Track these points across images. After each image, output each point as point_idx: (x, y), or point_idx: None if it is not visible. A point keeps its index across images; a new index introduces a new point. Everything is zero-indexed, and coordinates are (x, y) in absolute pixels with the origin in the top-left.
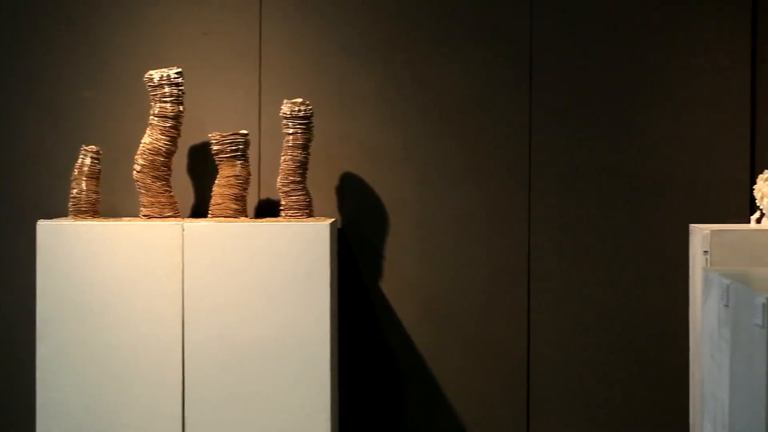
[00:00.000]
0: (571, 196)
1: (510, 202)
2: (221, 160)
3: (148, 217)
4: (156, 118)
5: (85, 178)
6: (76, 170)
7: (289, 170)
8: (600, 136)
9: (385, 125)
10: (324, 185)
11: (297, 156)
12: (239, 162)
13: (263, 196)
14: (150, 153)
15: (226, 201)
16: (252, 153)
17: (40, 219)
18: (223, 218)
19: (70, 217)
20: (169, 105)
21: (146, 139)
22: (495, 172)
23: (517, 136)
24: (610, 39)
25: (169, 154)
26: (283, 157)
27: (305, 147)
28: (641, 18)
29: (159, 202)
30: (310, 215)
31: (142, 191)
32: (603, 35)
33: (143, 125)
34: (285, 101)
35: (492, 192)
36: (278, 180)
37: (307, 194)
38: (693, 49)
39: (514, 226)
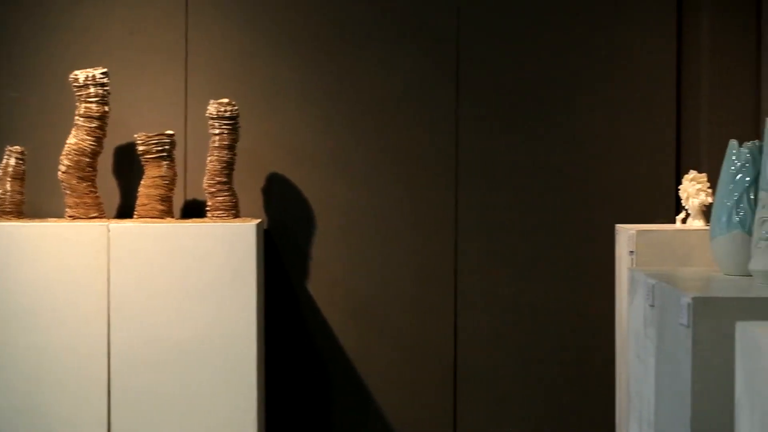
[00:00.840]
0: (498, 197)
1: (437, 202)
2: (147, 161)
3: (74, 218)
4: (81, 119)
5: (9, 179)
6: (0, 171)
7: (215, 171)
8: (527, 136)
9: (312, 126)
10: (250, 186)
11: (223, 156)
12: (165, 162)
13: (189, 197)
14: (75, 153)
15: (151, 202)
16: (178, 153)
17: None
18: (148, 219)
19: None
20: (94, 105)
21: (71, 140)
22: (422, 172)
23: (444, 137)
24: (537, 40)
25: (95, 154)
26: (209, 158)
27: (231, 147)
28: (568, 19)
29: (84, 203)
30: (236, 216)
31: (68, 192)
32: (530, 36)
33: (69, 126)
34: (211, 102)
35: (419, 192)
36: (204, 180)
37: (234, 195)
38: (620, 50)
39: (441, 226)
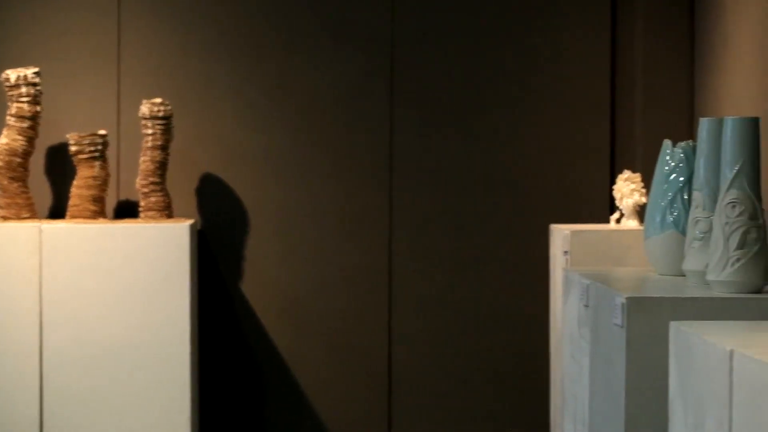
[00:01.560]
0: (433, 197)
1: (371, 202)
2: (79, 161)
3: (5, 218)
4: (13, 119)
5: None
6: None
7: (148, 171)
8: (462, 136)
9: (246, 126)
10: (184, 186)
11: (156, 157)
12: (98, 163)
13: (122, 197)
14: (7, 154)
15: (84, 202)
16: (111, 154)
17: None
18: (81, 219)
19: None
20: (26, 105)
21: (3, 140)
22: (356, 172)
23: (378, 137)
24: (472, 40)
25: (27, 154)
26: (142, 158)
27: (165, 148)
28: (503, 21)
29: (16, 204)
30: (169, 216)
31: None
32: (465, 36)
33: (0, 126)
34: (144, 101)
35: (353, 193)
36: (137, 181)
37: (167, 195)
38: (554, 51)
39: (375, 226)
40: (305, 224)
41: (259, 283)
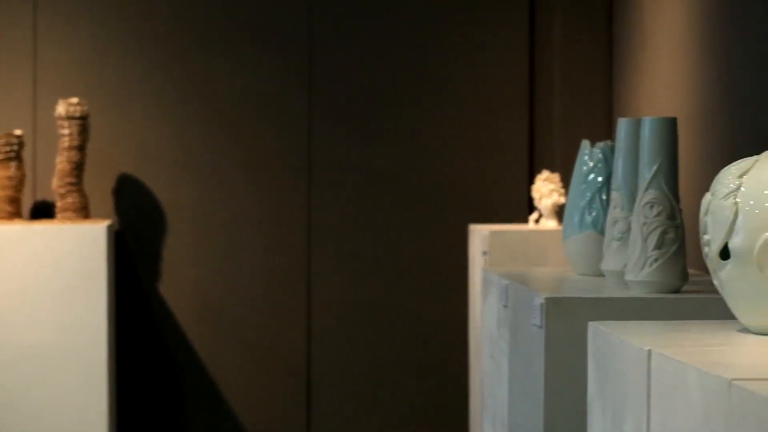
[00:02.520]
0: (352, 198)
1: (290, 204)
2: None
3: None
4: None
5: None
6: None
7: (64, 171)
8: (381, 137)
9: (163, 126)
10: (101, 187)
11: (73, 157)
12: (13, 163)
13: (38, 198)
14: None
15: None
16: (27, 154)
17: None
18: None
19: None
20: None
21: None
22: (274, 174)
23: (297, 139)
24: (390, 40)
25: None
26: (58, 159)
27: (81, 148)
28: (421, 21)
29: None
30: (86, 217)
31: None
32: (383, 37)
33: None
34: (60, 101)
35: (271, 194)
36: (54, 181)
37: (84, 196)
38: (472, 51)
39: (293, 227)
40: (223, 225)
41: (177, 284)
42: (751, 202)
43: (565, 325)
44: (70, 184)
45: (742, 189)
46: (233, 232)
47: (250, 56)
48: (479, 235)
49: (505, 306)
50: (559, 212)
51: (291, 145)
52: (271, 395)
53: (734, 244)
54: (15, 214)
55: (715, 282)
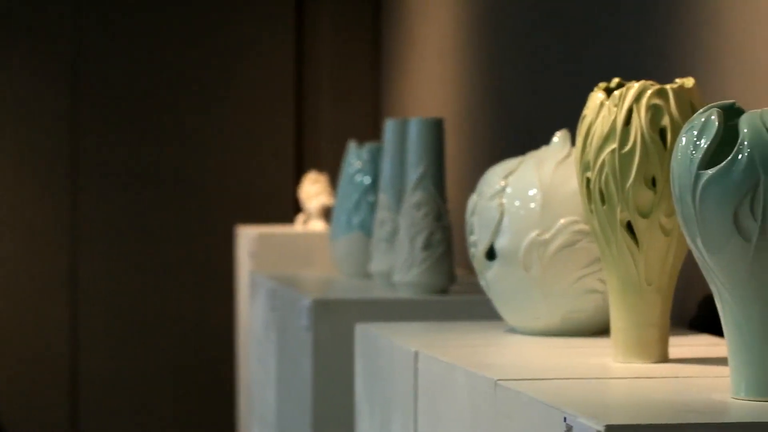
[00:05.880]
0: (120, 200)
1: (53, 206)
2: None
3: None
4: None
5: None
6: None
7: None
8: (148, 138)
9: None
10: None
11: None
12: None
13: None
14: None
15: None
16: None
17: None
18: None
19: None
20: None
21: None
22: (37, 174)
23: (61, 138)
24: (158, 40)
25: None
26: None
27: None
28: (188, 20)
29: None
30: None
31: None
32: (149, 36)
33: None
34: None
35: (34, 198)
36: None
37: None
38: (238, 51)
39: (57, 230)
40: None
41: None
42: (517, 203)
43: (332, 327)
44: None
45: (508, 190)
46: None
47: (9, 53)
48: (246, 236)
49: (273, 309)
50: (327, 214)
51: (53, 146)
52: (36, 401)
53: (500, 245)
54: None
55: (482, 283)
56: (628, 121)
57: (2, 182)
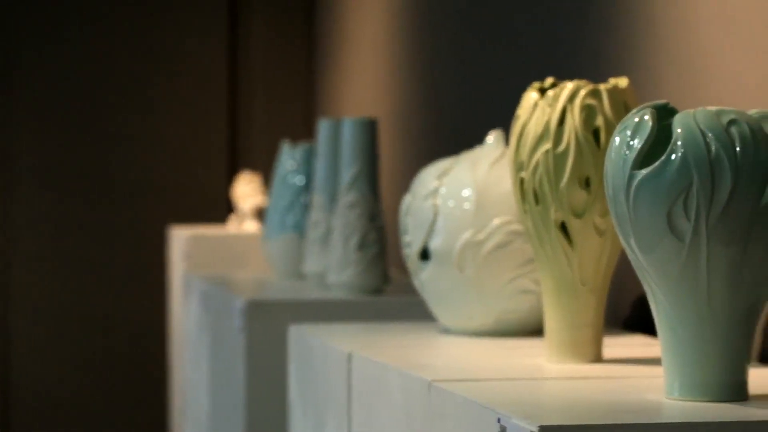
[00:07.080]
0: (52, 201)
1: None
2: None
3: None
4: None
5: None
6: None
7: None
8: (82, 138)
9: None
10: None
11: None
12: None
13: None
14: None
15: None
16: None
17: None
18: None
19: None
20: None
21: None
22: None
23: None
24: (92, 41)
25: None
26: None
27: None
28: (120, 19)
29: None
30: None
31: None
32: (85, 36)
33: None
34: None
35: None
36: None
37: None
38: (171, 51)
39: None
40: None
41: None
42: (451, 203)
43: (266, 328)
44: None
45: (442, 190)
46: None
47: None
48: (179, 237)
49: (206, 310)
50: (260, 214)
51: None
52: None
53: (434, 246)
54: None
55: (416, 283)
56: (561, 121)
57: None
